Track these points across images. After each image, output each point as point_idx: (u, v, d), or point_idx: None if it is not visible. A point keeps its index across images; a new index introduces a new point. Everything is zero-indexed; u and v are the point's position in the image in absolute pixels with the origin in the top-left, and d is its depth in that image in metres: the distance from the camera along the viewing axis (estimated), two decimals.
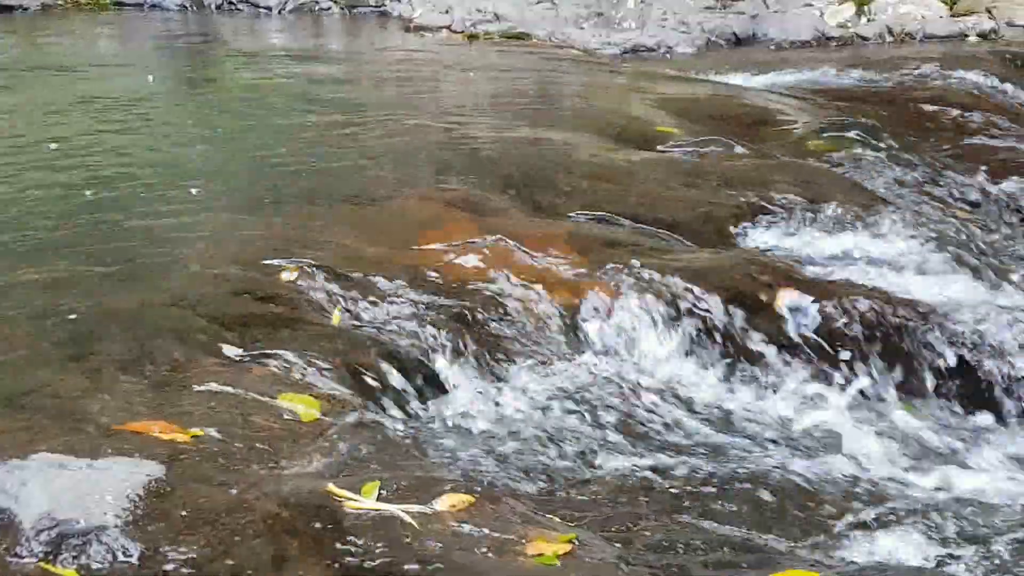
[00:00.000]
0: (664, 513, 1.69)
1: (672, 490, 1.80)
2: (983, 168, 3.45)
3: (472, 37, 5.29)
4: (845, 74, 4.58)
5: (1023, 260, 2.93)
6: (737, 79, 4.59)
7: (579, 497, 1.61)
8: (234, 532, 1.23)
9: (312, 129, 3.54)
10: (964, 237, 2.85)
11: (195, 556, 1.19)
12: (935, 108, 4.10)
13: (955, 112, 4.04)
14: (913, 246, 2.73)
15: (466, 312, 2.08)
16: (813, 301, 2.36)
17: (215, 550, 1.19)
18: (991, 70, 4.55)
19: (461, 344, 1.96)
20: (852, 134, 3.59)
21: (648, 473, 1.82)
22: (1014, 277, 2.60)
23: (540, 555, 1.22)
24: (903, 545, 1.69)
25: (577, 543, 1.31)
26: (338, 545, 1.21)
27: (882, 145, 3.51)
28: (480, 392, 1.85)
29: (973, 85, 4.36)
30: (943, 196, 3.18)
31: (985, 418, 2.20)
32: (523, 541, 1.25)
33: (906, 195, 3.12)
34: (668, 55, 5.41)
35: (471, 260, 2.35)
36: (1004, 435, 2.16)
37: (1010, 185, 3.34)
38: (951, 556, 1.65)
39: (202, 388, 1.62)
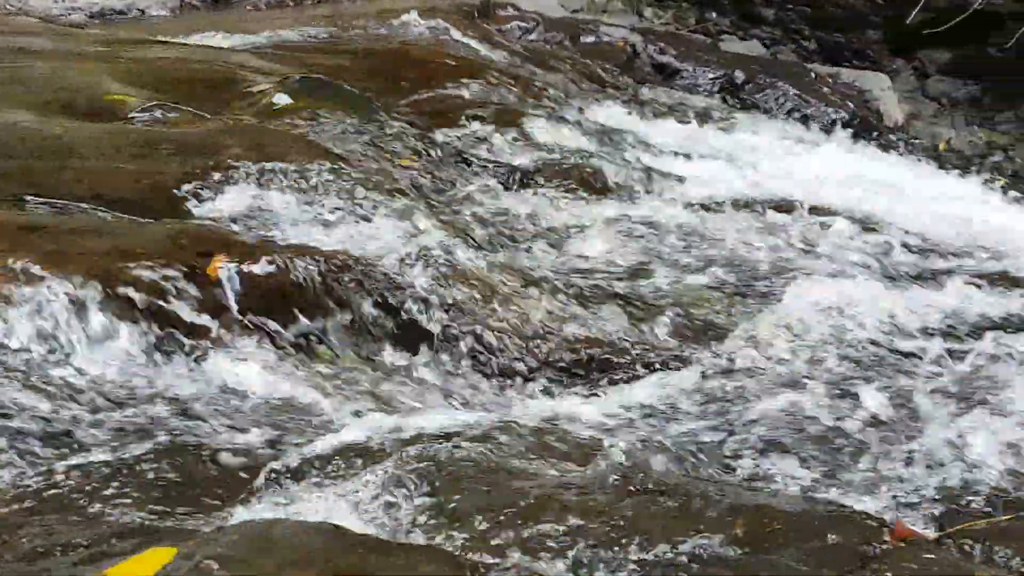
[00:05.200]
0: (61, 514, 1.61)
1: (84, 487, 1.72)
2: (434, 116, 3.70)
3: None
4: (318, 31, 4.66)
5: (466, 201, 3.18)
6: (210, 41, 4.48)
7: None
8: None
9: None
10: (406, 184, 3.03)
11: None
12: (400, 60, 4.31)
13: (417, 63, 4.28)
14: (357, 197, 2.85)
15: None
16: (248, 265, 2.37)
17: None
18: (453, 21, 4.87)
19: None
20: (316, 91, 3.65)
21: (54, 475, 1.73)
22: (443, 220, 2.82)
23: None
24: (320, 496, 1.76)
25: None
26: None
27: (343, 100, 3.61)
28: None
29: (436, 36, 4.64)
30: (394, 147, 3.34)
31: (415, 356, 2.36)
32: None
33: (360, 149, 3.24)
34: (140, 18, 5.15)
35: None
36: (434, 372, 2.34)
37: (457, 132, 3.61)
38: (362, 502, 1.74)
39: None
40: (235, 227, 2.60)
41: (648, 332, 2.53)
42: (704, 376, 2.27)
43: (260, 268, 2.36)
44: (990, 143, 5.15)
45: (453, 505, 1.67)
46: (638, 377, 2.34)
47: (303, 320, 2.33)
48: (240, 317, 2.29)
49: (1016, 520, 1.57)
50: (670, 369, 2.37)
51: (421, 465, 1.81)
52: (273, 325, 2.30)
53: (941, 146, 5.08)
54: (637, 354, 2.42)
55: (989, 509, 1.65)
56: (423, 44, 4.56)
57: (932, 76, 5.51)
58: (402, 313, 2.40)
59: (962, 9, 4.86)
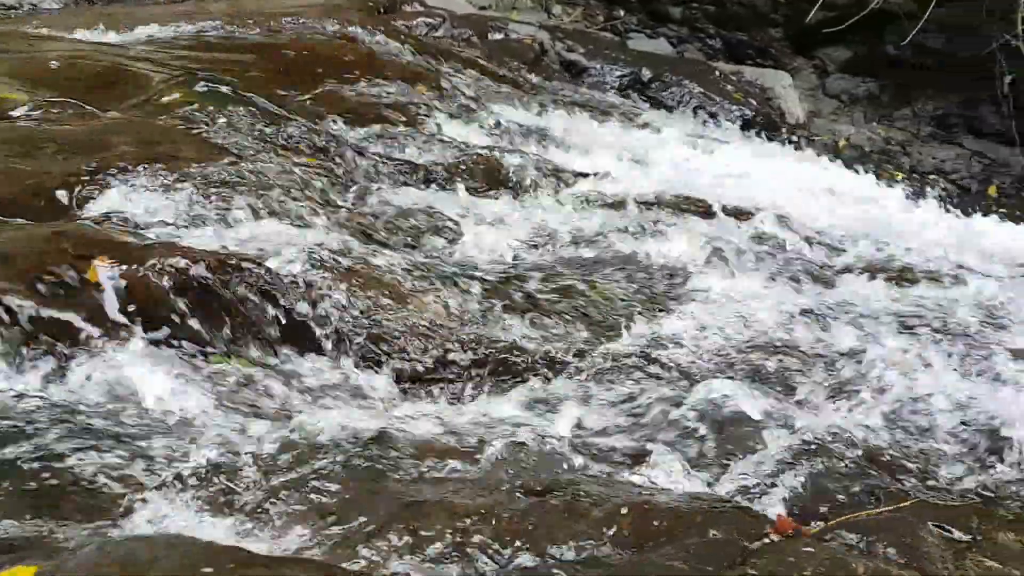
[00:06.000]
0: None
1: None
2: (337, 113, 3.64)
3: None
4: (217, 26, 4.54)
5: (366, 198, 3.13)
6: (105, 36, 4.34)
7: None
8: None
9: None
10: (304, 182, 2.97)
11: None
12: (302, 57, 4.23)
13: (320, 60, 4.20)
14: (251, 195, 2.78)
15: None
16: (131, 267, 2.28)
17: None
18: (358, 17, 4.80)
19: None
20: (211, 87, 3.56)
21: None
22: (341, 217, 2.77)
23: None
24: (195, 510, 1.69)
25: None
26: None
27: (240, 96, 3.52)
28: None
29: (339, 33, 4.57)
30: (292, 144, 3.27)
31: (307, 358, 2.30)
32: None
33: (255, 146, 3.17)
34: (32, 12, 4.96)
35: None
36: (326, 374, 2.28)
37: (359, 128, 3.55)
38: (240, 514, 1.68)
39: None
40: (121, 228, 2.51)
41: (547, 330, 2.52)
42: (600, 373, 2.26)
43: (144, 270, 2.28)
44: (888, 140, 5.28)
45: (334, 513, 1.63)
46: (535, 376, 2.33)
47: (190, 324, 2.26)
48: (122, 321, 2.21)
49: (897, 512, 1.59)
50: (567, 367, 2.36)
51: (304, 473, 1.77)
52: (157, 329, 2.22)
53: (841, 143, 5.19)
54: (535, 353, 2.40)
55: (871, 501, 1.67)
56: (326, 40, 4.48)
57: (832, 74, 5.63)
58: (294, 314, 2.34)
59: (860, 7, 4.97)
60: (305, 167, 3.12)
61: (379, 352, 2.34)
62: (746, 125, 5.02)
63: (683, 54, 5.72)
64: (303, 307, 2.34)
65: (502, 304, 2.56)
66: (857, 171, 4.71)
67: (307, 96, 3.88)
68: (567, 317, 2.57)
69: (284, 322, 2.32)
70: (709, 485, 1.76)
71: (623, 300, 2.68)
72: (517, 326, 2.47)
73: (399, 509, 1.63)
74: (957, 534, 1.51)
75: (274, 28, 4.62)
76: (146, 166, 2.84)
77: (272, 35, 4.54)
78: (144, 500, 1.70)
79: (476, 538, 1.57)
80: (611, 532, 1.53)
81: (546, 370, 2.34)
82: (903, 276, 2.91)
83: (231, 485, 1.73)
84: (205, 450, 1.86)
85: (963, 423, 1.99)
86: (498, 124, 4.08)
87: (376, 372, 2.29)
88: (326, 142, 3.37)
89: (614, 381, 2.24)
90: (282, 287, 2.35)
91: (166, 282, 2.28)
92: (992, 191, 4.94)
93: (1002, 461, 1.87)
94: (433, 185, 3.32)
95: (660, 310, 2.66)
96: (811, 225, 3.48)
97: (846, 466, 1.77)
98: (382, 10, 4.99)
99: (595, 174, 3.77)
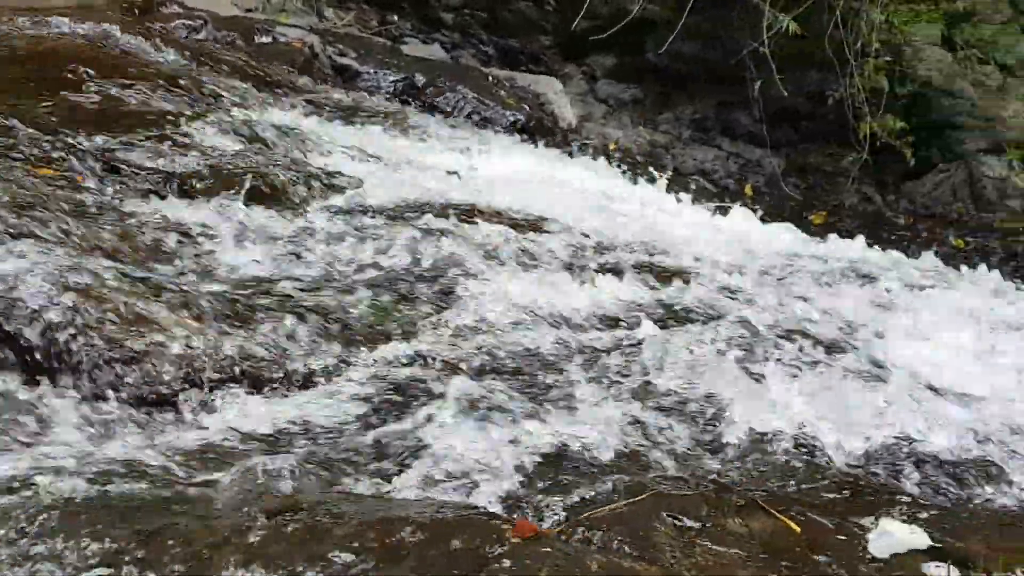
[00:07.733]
0: None
1: None
2: (81, 121, 3.41)
3: None
4: None
5: (111, 212, 2.94)
6: None
7: None
8: None
9: None
10: (39, 195, 2.76)
11: None
12: (46, 60, 3.95)
13: (68, 65, 3.93)
14: None
15: None
16: None
17: None
18: (112, 19, 4.53)
19: None
20: None
21: None
22: (79, 233, 2.58)
23: None
24: None
25: None
26: None
27: None
28: None
29: (88, 35, 4.30)
30: (29, 154, 3.04)
31: (34, 388, 2.13)
32: None
33: None
34: None
35: None
36: (57, 405, 2.11)
37: (106, 137, 3.34)
38: None
39: None
40: None
41: (309, 343, 2.44)
42: (353, 385, 2.22)
43: None
44: (653, 142, 5.51)
45: (61, 548, 1.51)
46: (291, 391, 2.25)
47: None
48: None
49: (633, 505, 1.63)
50: (325, 380, 2.30)
51: (28, 509, 1.63)
52: None
53: (611, 146, 5.36)
54: (293, 367, 2.33)
55: (611, 496, 1.70)
56: (76, 44, 4.19)
57: (600, 80, 5.82)
58: (21, 340, 2.15)
59: (623, 16, 5.15)
60: (43, 179, 2.90)
61: (117, 377, 2.19)
62: (520, 130, 5.09)
63: (458, 60, 5.75)
64: (32, 333, 2.16)
65: (256, 318, 2.47)
66: (625, 173, 4.88)
67: (50, 103, 3.62)
68: (327, 328, 2.50)
69: (9, 348, 2.14)
70: (456, 494, 1.74)
71: (385, 309, 2.64)
72: (272, 340, 2.39)
73: (132, 540, 1.52)
74: (688, 523, 1.56)
75: (17, 29, 4.29)
76: None
77: (16, 39, 4.21)
78: None
79: (213, 566, 1.49)
80: (354, 550, 1.49)
81: (298, 384, 2.26)
82: (657, 274, 3.02)
83: None
84: None
85: (700, 413, 2.08)
86: (262, 130, 3.95)
87: (112, 398, 2.14)
88: (68, 151, 3.15)
89: (367, 393, 2.20)
90: (7, 311, 2.17)
91: None
92: (748, 190, 5.25)
93: (736, 449, 1.96)
94: (189, 195, 3.17)
95: (424, 317, 2.64)
96: (580, 228, 3.56)
97: (589, 464, 1.80)
98: (138, 11, 4.73)
99: (367, 179, 3.72)
